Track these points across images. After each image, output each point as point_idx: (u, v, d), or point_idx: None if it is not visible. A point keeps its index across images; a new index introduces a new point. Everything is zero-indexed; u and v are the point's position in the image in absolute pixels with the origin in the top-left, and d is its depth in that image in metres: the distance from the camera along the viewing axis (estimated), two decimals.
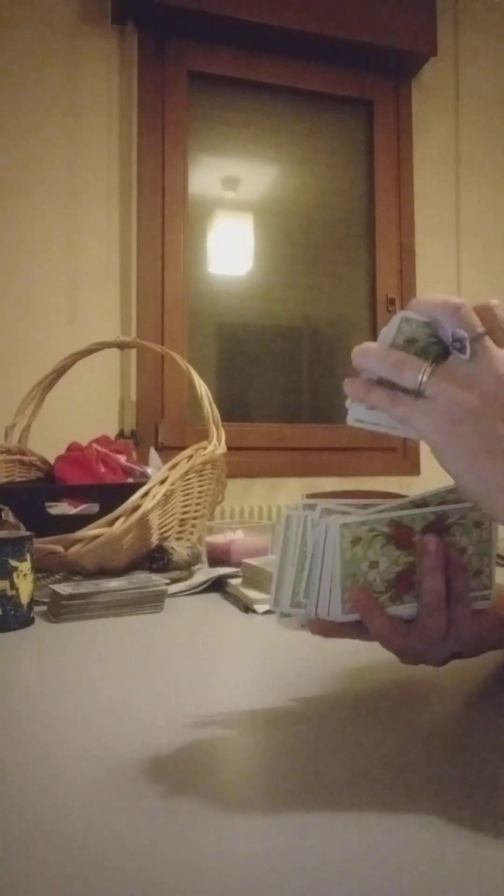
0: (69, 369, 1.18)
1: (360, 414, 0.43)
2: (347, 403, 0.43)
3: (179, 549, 0.91)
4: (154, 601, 0.76)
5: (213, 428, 1.05)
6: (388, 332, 0.40)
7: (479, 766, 0.37)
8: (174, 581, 0.86)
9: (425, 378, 0.38)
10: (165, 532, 0.95)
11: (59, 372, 1.18)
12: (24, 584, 0.69)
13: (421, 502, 0.45)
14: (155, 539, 0.93)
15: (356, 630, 0.44)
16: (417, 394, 0.38)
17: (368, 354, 0.40)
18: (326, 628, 0.44)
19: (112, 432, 2.18)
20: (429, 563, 0.42)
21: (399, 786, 0.35)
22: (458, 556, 0.43)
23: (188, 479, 0.98)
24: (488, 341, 0.38)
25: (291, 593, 0.43)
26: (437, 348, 0.39)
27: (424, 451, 2.52)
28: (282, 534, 0.43)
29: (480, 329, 0.38)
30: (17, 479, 1.12)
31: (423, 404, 0.38)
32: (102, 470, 1.11)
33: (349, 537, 0.42)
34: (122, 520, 0.84)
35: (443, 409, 0.37)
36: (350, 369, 0.42)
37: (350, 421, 0.44)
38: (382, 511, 0.43)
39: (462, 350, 0.38)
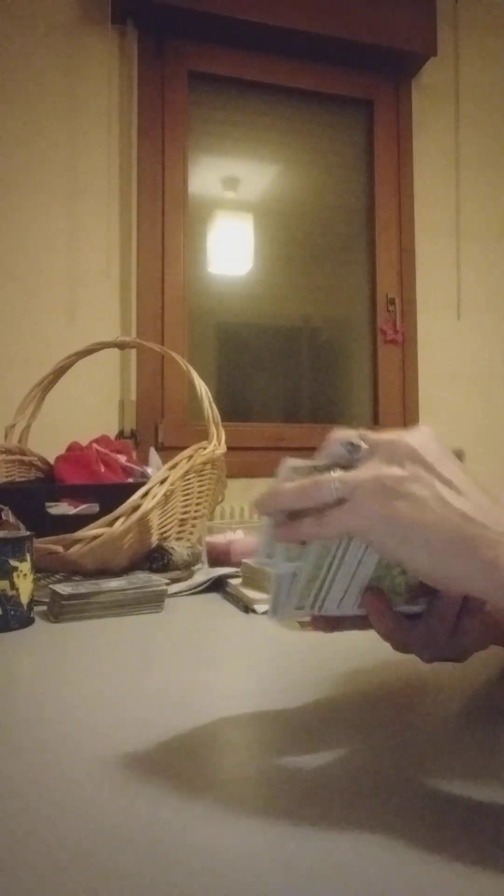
0: (69, 369, 1.18)
1: (284, 566, 0.40)
2: (260, 559, 0.40)
3: (179, 549, 0.91)
4: (154, 601, 0.76)
5: (213, 428, 1.05)
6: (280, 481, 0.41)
7: (480, 767, 0.37)
8: (174, 581, 0.86)
9: (337, 484, 0.37)
10: (165, 532, 0.95)
11: (59, 372, 1.18)
12: (24, 584, 0.69)
13: None
14: (155, 539, 0.93)
15: (358, 622, 0.44)
16: (339, 503, 0.37)
17: (276, 497, 0.39)
18: (329, 624, 0.44)
19: (112, 432, 2.18)
20: None
21: (399, 785, 0.35)
22: None
23: (188, 479, 0.98)
24: (370, 433, 0.39)
25: (298, 600, 0.42)
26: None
27: None
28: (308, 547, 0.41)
29: (359, 431, 0.39)
30: (17, 479, 1.12)
31: (349, 504, 0.37)
32: (102, 470, 1.11)
33: None
34: (122, 520, 0.84)
35: (370, 496, 0.36)
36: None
37: (276, 577, 0.41)
38: None
39: (357, 448, 0.38)
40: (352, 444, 0.39)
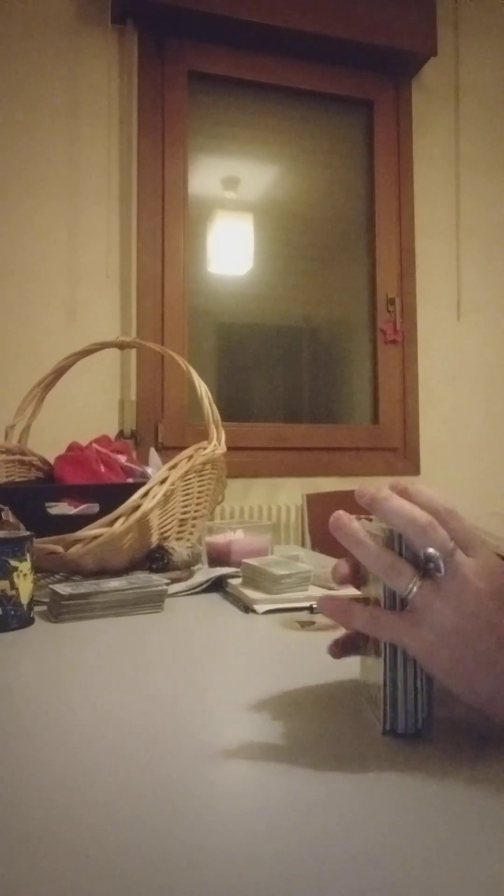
0: (69, 369, 1.18)
1: None
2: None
3: (179, 549, 0.91)
4: (154, 601, 0.76)
5: (213, 428, 1.05)
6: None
7: (476, 754, 0.37)
8: (174, 581, 0.86)
9: (415, 590, 0.39)
10: (165, 532, 0.95)
11: (59, 372, 1.18)
12: (24, 584, 0.69)
13: None
14: (155, 539, 0.93)
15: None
16: (403, 602, 0.40)
17: (363, 548, 0.40)
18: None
19: (112, 432, 2.18)
20: None
21: (400, 782, 0.35)
22: None
23: (188, 479, 0.98)
24: (458, 553, 0.39)
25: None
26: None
27: (425, 451, 2.52)
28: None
29: (451, 545, 0.39)
30: (17, 479, 1.12)
31: (409, 623, 0.39)
32: (102, 470, 1.11)
33: None
34: (122, 520, 0.84)
35: (429, 627, 0.38)
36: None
37: None
38: None
39: (437, 569, 0.39)
40: (433, 562, 0.38)
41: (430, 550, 0.38)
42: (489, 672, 0.38)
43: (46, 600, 0.76)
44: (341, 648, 0.47)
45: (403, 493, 0.41)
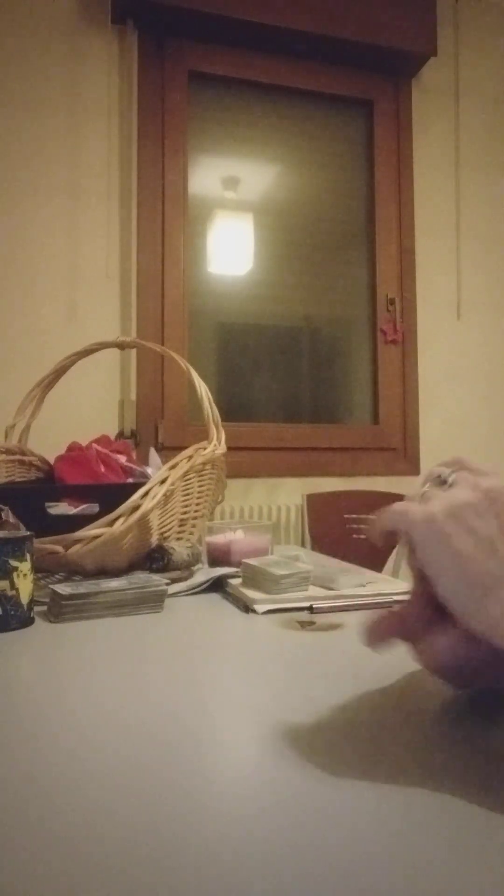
0: (69, 369, 1.18)
1: None
2: None
3: (179, 549, 0.91)
4: (154, 601, 0.76)
5: (213, 428, 1.05)
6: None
7: (478, 753, 0.37)
8: (174, 581, 0.86)
9: (426, 489, 0.42)
10: (165, 532, 0.95)
11: (59, 372, 1.18)
12: (24, 584, 0.69)
13: None
14: (155, 539, 0.93)
15: None
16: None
17: (383, 524, 0.42)
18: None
19: (112, 432, 2.18)
20: None
21: (400, 783, 0.35)
22: None
23: (188, 479, 0.98)
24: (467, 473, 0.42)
25: None
26: None
27: (425, 451, 2.52)
28: None
29: (451, 468, 0.43)
30: (17, 479, 1.12)
31: (424, 504, 0.40)
32: (102, 470, 1.11)
33: None
34: (122, 520, 0.84)
35: (439, 501, 0.39)
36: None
37: None
38: None
39: (445, 482, 0.42)
40: (439, 477, 0.42)
41: (435, 473, 0.43)
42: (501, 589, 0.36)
43: (46, 600, 0.76)
44: (385, 632, 0.42)
45: (463, 466, 0.43)
